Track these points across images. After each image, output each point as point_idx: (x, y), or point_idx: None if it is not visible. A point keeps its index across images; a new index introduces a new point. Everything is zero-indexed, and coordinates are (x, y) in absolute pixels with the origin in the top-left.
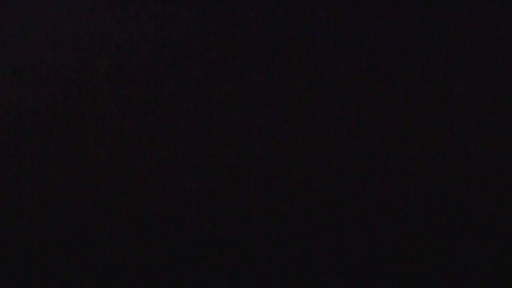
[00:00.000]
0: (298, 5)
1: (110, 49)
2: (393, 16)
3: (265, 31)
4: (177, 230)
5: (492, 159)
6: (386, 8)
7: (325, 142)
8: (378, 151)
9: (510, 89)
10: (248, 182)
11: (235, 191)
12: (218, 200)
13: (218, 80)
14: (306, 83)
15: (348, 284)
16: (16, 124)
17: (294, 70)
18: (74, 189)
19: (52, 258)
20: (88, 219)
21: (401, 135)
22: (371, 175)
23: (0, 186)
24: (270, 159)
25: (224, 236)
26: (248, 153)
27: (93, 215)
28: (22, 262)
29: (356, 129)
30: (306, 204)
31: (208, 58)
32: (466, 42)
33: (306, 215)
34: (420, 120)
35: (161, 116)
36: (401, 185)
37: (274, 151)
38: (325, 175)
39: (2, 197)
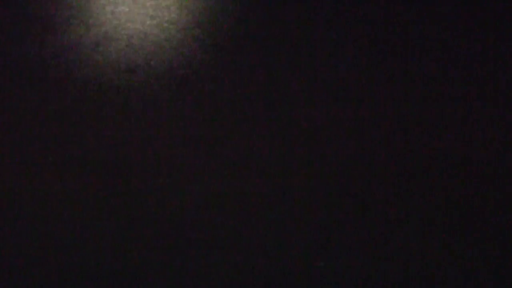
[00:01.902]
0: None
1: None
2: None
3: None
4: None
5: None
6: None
7: (325, 142)
8: (378, 151)
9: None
10: (247, 182)
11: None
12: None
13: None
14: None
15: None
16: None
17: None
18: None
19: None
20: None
21: (401, 135)
22: (371, 175)
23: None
24: (270, 158)
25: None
26: (248, 152)
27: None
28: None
29: (356, 129)
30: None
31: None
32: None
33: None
34: (420, 120)
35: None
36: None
37: (273, 151)
38: (325, 175)
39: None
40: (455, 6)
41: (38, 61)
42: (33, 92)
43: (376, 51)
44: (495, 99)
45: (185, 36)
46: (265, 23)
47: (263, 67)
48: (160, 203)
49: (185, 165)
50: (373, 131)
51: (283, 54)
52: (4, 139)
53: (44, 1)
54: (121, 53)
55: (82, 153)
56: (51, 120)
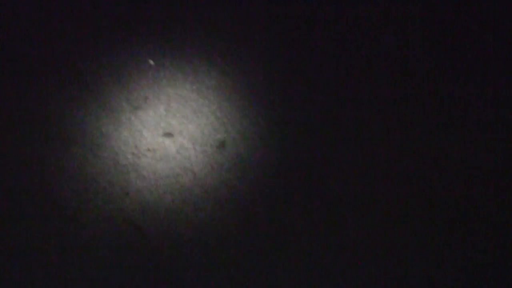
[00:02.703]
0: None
1: None
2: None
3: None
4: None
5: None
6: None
7: (324, 142)
8: (378, 151)
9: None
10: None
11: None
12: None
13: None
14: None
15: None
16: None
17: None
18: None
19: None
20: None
21: (401, 135)
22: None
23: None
24: (269, 158)
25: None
26: (247, 153)
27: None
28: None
29: (356, 129)
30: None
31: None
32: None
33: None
34: (420, 120)
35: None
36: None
37: (272, 151)
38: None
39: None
40: (455, 6)
41: (76, 124)
42: (71, 155)
43: (375, 51)
44: (495, 99)
45: (224, 101)
46: (303, 73)
47: (302, 121)
48: None
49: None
50: (373, 131)
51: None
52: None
53: (85, 65)
54: (160, 117)
55: (109, 209)
56: (86, 182)
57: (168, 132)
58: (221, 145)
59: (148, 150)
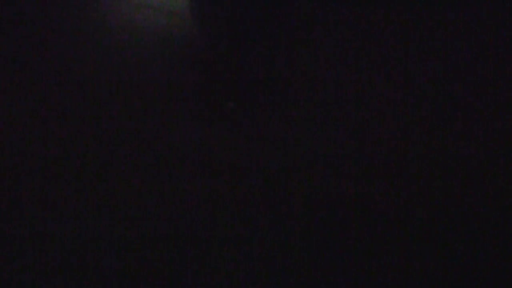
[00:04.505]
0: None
1: None
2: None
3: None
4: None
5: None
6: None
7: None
8: (378, 151)
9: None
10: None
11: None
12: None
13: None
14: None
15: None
16: None
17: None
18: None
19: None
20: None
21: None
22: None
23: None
24: (268, 159)
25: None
26: (247, 154)
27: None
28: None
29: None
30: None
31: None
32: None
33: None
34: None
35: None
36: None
37: (272, 151)
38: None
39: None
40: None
41: None
42: None
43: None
44: (495, 99)
45: None
46: None
47: None
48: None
49: None
50: (372, 131)
51: None
52: None
53: None
54: None
55: None
56: None
57: None
58: None
59: None
